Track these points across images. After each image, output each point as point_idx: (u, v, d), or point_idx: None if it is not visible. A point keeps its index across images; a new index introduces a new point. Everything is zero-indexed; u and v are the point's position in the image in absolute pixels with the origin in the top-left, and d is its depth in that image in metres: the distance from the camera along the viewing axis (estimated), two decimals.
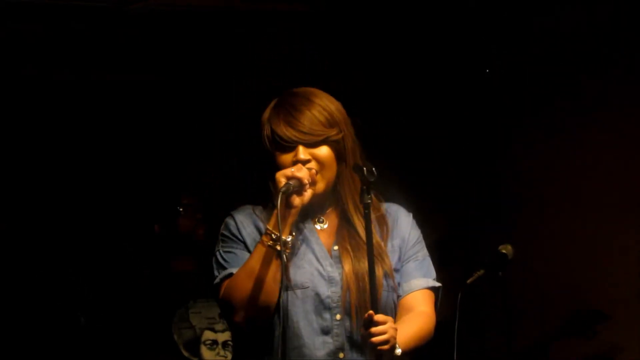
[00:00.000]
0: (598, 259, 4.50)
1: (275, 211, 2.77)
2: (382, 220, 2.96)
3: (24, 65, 4.45)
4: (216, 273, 2.88)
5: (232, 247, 2.89)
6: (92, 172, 4.75)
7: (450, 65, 4.85)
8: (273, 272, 2.78)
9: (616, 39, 4.47)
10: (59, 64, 4.48)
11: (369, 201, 2.75)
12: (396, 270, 2.91)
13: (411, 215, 3.00)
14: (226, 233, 2.91)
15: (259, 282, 2.77)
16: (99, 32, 4.35)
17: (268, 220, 2.83)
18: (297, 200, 2.77)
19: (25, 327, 4.58)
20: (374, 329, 2.66)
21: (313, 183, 2.81)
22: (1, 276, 4.59)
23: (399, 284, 2.91)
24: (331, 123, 2.86)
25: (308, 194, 2.80)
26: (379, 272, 2.86)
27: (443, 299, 2.94)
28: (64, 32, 4.32)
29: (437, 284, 2.94)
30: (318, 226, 2.92)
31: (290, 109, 2.86)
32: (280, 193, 2.72)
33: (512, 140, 4.83)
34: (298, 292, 2.84)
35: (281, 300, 2.80)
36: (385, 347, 2.67)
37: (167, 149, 4.77)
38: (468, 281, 3.39)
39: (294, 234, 2.84)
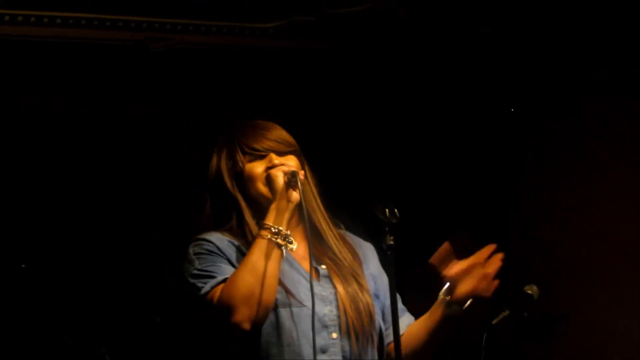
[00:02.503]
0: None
1: (272, 205, 2.81)
2: (351, 248, 3.00)
3: (44, 100, 4.45)
4: (201, 285, 2.79)
5: (215, 261, 2.83)
6: (111, 205, 4.74)
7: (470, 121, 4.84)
8: (274, 267, 2.74)
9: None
10: (80, 101, 4.49)
11: (392, 243, 2.75)
12: (376, 296, 2.96)
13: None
14: (202, 251, 2.85)
15: (262, 277, 2.72)
16: (120, 70, 4.37)
17: (245, 242, 2.84)
18: (294, 194, 2.80)
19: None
20: None
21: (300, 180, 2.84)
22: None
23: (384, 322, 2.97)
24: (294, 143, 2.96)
25: (300, 188, 2.81)
26: (367, 297, 2.90)
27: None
28: (86, 70, 4.34)
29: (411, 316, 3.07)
30: (288, 246, 2.88)
31: (257, 126, 2.96)
32: (287, 181, 2.79)
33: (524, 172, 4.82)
34: (295, 309, 2.80)
35: (278, 317, 2.78)
36: None
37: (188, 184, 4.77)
38: (494, 322, 3.38)
39: (289, 232, 2.81)
